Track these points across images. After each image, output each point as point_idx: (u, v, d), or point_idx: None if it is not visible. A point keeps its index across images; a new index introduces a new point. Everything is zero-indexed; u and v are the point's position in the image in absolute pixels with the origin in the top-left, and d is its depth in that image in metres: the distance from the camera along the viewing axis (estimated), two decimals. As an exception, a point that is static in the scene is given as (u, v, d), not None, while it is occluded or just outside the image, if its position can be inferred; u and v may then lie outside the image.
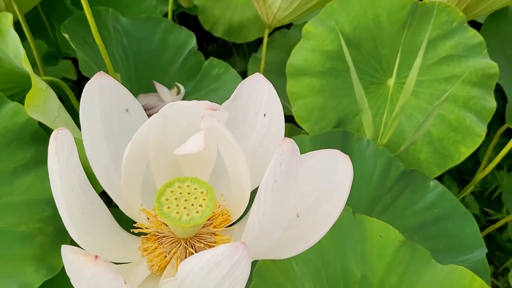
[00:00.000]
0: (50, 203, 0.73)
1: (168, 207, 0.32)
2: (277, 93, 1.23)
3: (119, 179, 0.36)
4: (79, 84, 1.45)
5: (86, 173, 0.35)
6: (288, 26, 1.44)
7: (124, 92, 0.38)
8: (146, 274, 0.33)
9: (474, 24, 1.19)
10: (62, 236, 0.72)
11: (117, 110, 0.38)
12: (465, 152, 0.90)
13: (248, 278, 0.62)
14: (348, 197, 0.85)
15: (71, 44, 0.97)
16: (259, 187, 0.28)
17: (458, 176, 1.42)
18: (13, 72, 0.84)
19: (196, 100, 0.34)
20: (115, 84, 0.37)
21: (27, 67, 0.75)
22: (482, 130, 0.90)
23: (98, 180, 0.37)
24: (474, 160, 1.39)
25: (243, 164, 0.34)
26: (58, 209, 0.30)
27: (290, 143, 0.29)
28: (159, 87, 1.10)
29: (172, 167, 0.36)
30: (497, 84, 1.03)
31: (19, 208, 0.72)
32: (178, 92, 1.11)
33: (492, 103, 0.92)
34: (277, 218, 0.29)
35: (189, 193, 0.33)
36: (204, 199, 0.32)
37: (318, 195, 0.34)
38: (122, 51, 1.13)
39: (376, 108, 0.99)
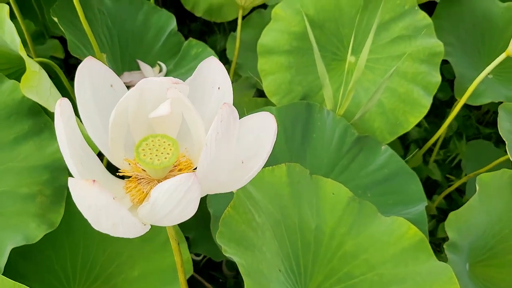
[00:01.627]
0: (47, 168, 0.85)
1: (144, 155, 0.43)
2: (252, 69, 1.34)
3: (107, 138, 0.47)
4: (65, 62, 1.55)
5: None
6: (265, 6, 1.54)
7: (109, 72, 0.49)
8: (129, 205, 0.45)
9: (430, 4, 1.30)
10: (59, 197, 0.84)
11: (104, 86, 0.49)
12: (413, 121, 1.03)
13: (215, 227, 0.74)
14: (312, 160, 0.97)
15: (60, 27, 1.06)
16: (206, 138, 0.39)
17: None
18: (9, 55, 0.94)
19: (165, 77, 0.45)
20: (101, 65, 0.48)
21: (22, 54, 0.85)
22: (428, 101, 1.03)
23: (92, 140, 0.48)
24: (424, 130, 1.52)
25: (200, 125, 0.45)
26: (65, 160, 0.41)
27: (229, 106, 0.40)
28: (143, 65, 1.20)
29: (147, 128, 0.47)
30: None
31: (20, 173, 0.84)
32: (160, 70, 1.21)
33: (437, 78, 1.04)
34: (220, 162, 0.41)
35: (159, 145, 0.44)
36: (170, 149, 0.44)
37: (256, 147, 0.45)
38: (107, 32, 1.22)
39: (338, 83, 1.11)
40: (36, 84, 0.89)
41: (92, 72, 0.48)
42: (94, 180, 0.35)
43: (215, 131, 0.39)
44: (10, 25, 0.88)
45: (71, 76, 1.13)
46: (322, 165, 0.98)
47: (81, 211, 0.39)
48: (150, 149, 0.44)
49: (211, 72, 0.49)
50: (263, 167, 0.48)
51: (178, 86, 0.44)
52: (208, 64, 0.50)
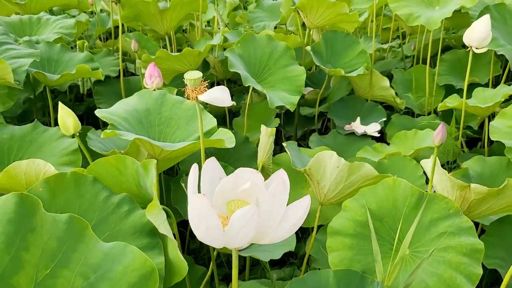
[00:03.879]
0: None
1: (231, 208, 0.72)
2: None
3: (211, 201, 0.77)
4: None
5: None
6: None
7: (220, 170, 0.82)
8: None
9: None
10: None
11: (216, 179, 0.80)
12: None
13: None
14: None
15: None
16: (267, 192, 0.68)
17: None
18: (145, 196, 1.32)
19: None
20: (217, 166, 0.82)
21: (155, 201, 1.22)
22: (470, 288, 1.16)
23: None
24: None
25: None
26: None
27: (283, 179, 0.69)
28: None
29: (233, 196, 0.76)
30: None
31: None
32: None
33: (479, 271, 1.19)
34: (272, 211, 0.68)
35: (240, 205, 0.72)
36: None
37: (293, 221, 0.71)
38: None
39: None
40: (156, 215, 1.23)
41: (211, 170, 0.81)
42: (204, 194, 0.64)
43: (272, 190, 0.67)
44: (152, 176, 1.29)
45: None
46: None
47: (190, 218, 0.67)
48: (235, 205, 0.72)
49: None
50: None
51: (258, 176, 0.74)
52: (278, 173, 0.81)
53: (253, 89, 2.18)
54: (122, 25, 2.89)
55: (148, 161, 1.20)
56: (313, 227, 1.78)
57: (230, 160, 2.09)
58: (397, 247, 1.34)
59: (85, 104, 3.03)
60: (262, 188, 0.73)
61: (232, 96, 2.83)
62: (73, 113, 1.43)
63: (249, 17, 3.41)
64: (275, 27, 3.39)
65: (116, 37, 3.65)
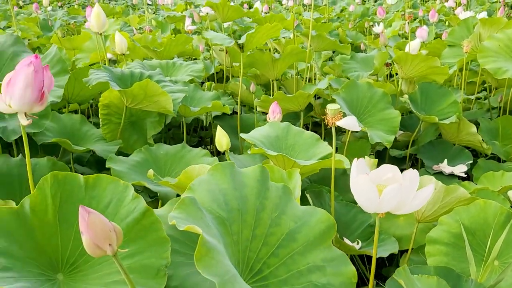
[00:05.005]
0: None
1: (380, 189, 1.09)
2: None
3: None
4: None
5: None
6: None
7: (366, 166, 1.19)
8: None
9: None
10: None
11: (362, 172, 1.18)
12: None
13: None
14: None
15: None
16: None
17: None
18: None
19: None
20: (364, 164, 1.19)
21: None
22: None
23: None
24: None
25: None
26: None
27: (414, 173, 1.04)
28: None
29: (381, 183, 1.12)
30: None
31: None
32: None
33: (560, 277, 1.44)
34: (404, 196, 1.02)
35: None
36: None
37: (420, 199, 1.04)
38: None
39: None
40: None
41: (360, 166, 1.19)
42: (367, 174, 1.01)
43: (408, 176, 1.03)
44: (296, 179, 1.67)
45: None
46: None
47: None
48: (382, 187, 1.08)
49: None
50: None
51: (397, 170, 1.11)
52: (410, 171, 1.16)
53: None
54: (232, 69, 3.42)
55: (293, 169, 1.59)
56: (404, 252, 2.08)
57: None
58: (487, 258, 1.61)
59: (201, 134, 3.55)
60: (400, 178, 1.08)
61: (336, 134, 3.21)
62: (226, 134, 1.88)
63: (344, 67, 3.82)
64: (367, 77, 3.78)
65: (219, 80, 4.25)
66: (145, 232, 1.19)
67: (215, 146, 3.38)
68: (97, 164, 2.71)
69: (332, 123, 1.50)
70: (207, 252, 0.89)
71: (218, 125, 1.88)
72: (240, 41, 2.80)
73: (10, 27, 6.24)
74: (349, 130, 2.67)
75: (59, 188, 1.20)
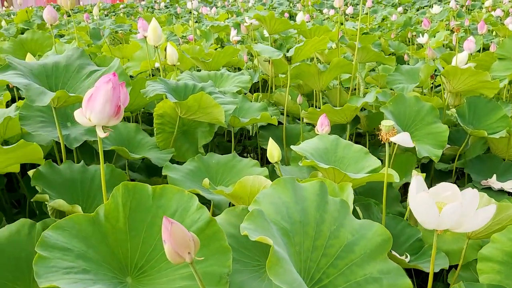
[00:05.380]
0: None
1: (439, 207, 1.11)
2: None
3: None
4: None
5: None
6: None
7: (424, 184, 1.21)
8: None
9: None
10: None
11: (420, 189, 1.21)
12: None
13: None
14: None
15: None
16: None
17: None
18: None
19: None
20: (422, 181, 1.22)
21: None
22: None
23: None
24: None
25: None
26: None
27: (474, 194, 1.06)
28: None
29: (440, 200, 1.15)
30: None
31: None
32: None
33: None
34: (464, 214, 1.04)
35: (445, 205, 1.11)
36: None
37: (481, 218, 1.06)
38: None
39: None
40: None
41: (419, 184, 1.22)
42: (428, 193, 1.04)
43: (468, 195, 1.05)
44: (348, 192, 1.71)
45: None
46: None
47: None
48: (441, 204, 1.11)
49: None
50: None
51: (456, 188, 1.13)
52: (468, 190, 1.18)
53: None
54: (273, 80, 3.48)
55: (345, 183, 1.63)
56: (451, 267, 2.07)
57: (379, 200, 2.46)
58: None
59: (245, 143, 3.63)
60: (459, 195, 1.11)
61: (378, 147, 3.23)
62: (278, 147, 1.94)
63: (388, 79, 3.82)
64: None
65: (262, 90, 4.33)
66: (208, 241, 1.25)
67: (258, 155, 3.46)
68: (148, 170, 2.82)
69: (386, 139, 1.54)
70: (277, 261, 0.94)
71: (270, 138, 1.95)
72: (288, 54, 2.86)
73: (62, 36, 6.53)
74: (395, 144, 2.68)
75: (129, 197, 1.29)
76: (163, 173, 2.06)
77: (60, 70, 2.09)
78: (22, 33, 5.15)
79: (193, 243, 0.89)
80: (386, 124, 1.53)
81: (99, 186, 2.00)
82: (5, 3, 13.26)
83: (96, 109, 1.23)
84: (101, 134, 1.26)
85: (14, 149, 1.66)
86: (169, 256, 0.88)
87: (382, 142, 1.56)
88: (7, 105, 2.97)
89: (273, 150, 1.93)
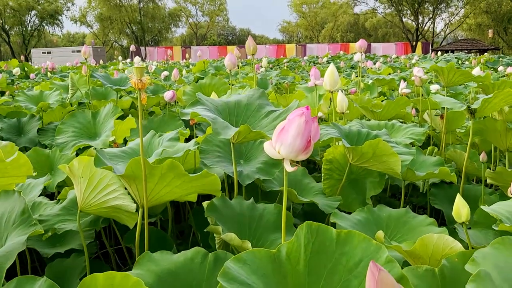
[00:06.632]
0: None
1: None
2: None
3: None
4: None
5: None
6: None
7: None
8: None
9: None
10: None
11: None
12: None
13: None
14: None
15: None
16: None
17: None
18: None
19: None
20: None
21: None
22: None
23: None
24: None
25: None
26: None
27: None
28: None
29: None
30: None
31: None
32: None
33: None
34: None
35: None
36: None
37: None
38: None
39: None
40: None
41: None
42: None
43: None
44: None
45: None
46: None
47: None
48: None
49: None
50: None
51: None
52: None
53: None
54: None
55: None
56: None
57: None
58: None
59: (412, 200, 3.36)
60: None
61: None
62: (467, 204, 1.69)
63: None
64: None
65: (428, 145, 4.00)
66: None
67: (428, 215, 3.15)
68: (306, 217, 2.74)
69: None
70: None
71: (458, 194, 1.72)
72: (473, 106, 2.59)
73: (233, 85, 7.04)
74: None
75: (311, 238, 1.20)
76: (331, 220, 1.95)
77: (242, 108, 2.17)
78: (198, 80, 5.66)
79: (401, 298, 0.75)
80: None
81: (267, 224, 1.97)
82: (187, 55, 15.03)
83: (287, 141, 1.19)
84: (288, 168, 1.22)
85: (197, 178, 1.72)
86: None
87: None
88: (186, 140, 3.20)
89: (461, 208, 1.69)
